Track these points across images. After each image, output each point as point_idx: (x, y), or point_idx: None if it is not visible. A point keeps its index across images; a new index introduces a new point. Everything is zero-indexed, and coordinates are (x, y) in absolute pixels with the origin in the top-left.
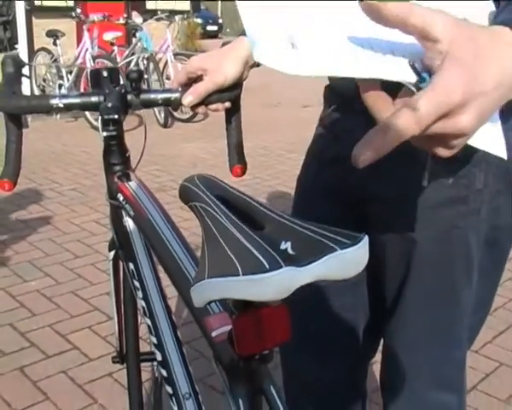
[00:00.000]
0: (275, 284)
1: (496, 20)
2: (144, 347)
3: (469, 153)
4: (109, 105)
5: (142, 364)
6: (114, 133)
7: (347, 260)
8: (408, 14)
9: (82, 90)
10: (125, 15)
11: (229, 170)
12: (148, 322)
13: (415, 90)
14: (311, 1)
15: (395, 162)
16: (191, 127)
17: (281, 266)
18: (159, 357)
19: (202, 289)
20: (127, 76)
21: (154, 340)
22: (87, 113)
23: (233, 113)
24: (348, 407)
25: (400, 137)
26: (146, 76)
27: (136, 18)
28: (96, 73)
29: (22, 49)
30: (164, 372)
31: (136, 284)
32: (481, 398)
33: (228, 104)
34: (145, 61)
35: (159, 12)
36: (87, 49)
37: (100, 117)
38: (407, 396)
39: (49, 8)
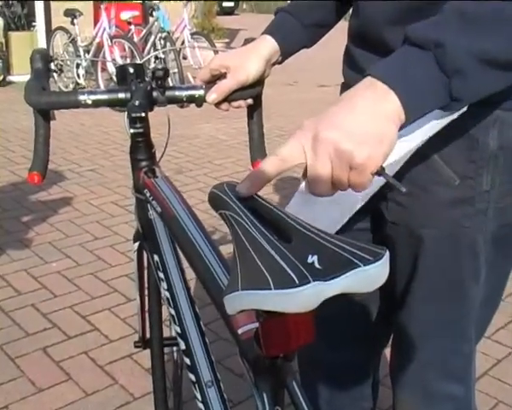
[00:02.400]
0: (303, 299)
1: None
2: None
3: (476, 155)
4: (136, 103)
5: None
6: (141, 130)
7: (370, 276)
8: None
9: (99, 69)
10: None
11: (250, 161)
12: (172, 312)
13: None
14: None
15: (406, 162)
16: (208, 107)
17: (309, 281)
18: (182, 346)
19: (235, 300)
20: (153, 74)
21: (178, 329)
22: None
23: (255, 109)
24: (359, 391)
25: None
26: (163, 56)
27: None
28: (122, 69)
29: (40, 28)
30: (187, 361)
31: (161, 275)
32: (493, 384)
33: (250, 101)
34: (162, 41)
35: None
36: (104, 29)
37: (127, 114)
38: (415, 386)
39: None
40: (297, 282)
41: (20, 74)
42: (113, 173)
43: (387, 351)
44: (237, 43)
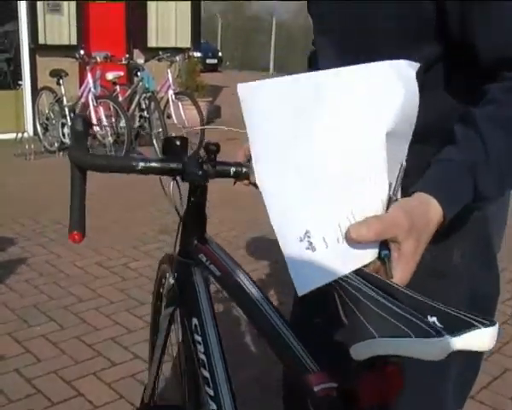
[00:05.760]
0: (439, 348)
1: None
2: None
3: (445, 233)
4: (200, 173)
5: None
6: (200, 200)
7: (487, 337)
8: (379, 235)
9: None
10: (127, 56)
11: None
12: (207, 375)
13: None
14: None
15: None
16: None
17: (443, 335)
18: (213, 407)
19: (370, 346)
20: (206, 148)
21: (211, 392)
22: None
23: None
24: None
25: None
26: (147, 115)
27: (139, 58)
28: (169, 141)
29: (26, 88)
30: None
31: (198, 338)
32: None
33: None
34: (146, 101)
35: (160, 52)
36: (90, 90)
37: (177, 182)
38: None
39: (52, 47)
40: (434, 333)
41: (4, 132)
42: (98, 234)
43: None
44: (220, 101)
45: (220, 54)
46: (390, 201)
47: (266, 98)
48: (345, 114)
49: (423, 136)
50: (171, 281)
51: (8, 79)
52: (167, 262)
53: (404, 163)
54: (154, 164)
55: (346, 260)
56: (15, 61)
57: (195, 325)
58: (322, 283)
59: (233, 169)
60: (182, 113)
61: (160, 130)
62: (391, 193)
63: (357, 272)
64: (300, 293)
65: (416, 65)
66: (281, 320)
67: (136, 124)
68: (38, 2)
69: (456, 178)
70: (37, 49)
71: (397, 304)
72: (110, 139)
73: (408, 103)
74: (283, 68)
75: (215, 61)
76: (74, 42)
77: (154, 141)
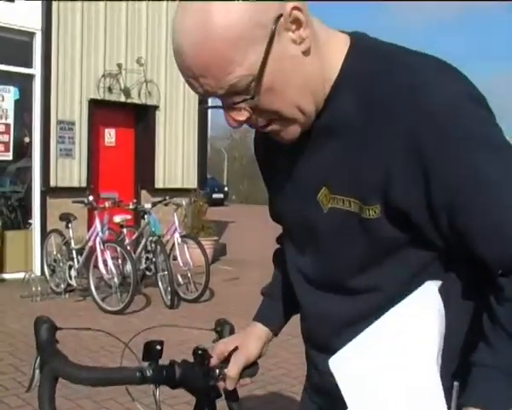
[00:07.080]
0: None
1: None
2: None
3: None
4: (211, 383)
5: None
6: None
7: None
8: None
9: (91, 272)
10: (135, 201)
11: None
12: None
13: None
14: None
15: None
16: (197, 308)
17: None
18: None
19: None
20: (194, 353)
21: None
22: (94, 292)
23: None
24: None
25: None
26: (153, 258)
27: (146, 202)
28: (150, 345)
29: (35, 228)
30: None
31: None
32: None
33: (250, 380)
34: (153, 245)
35: (167, 196)
36: (97, 234)
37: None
38: None
39: (63, 189)
40: None
41: (13, 272)
42: None
43: None
44: (226, 238)
45: (226, 188)
46: None
47: (349, 361)
48: (403, 356)
49: None
50: None
51: (19, 219)
52: None
53: (457, 383)
54: (148, 373)
55: None
56: (26, 201)
57: None
58: None
59: (224, 372)
60: (187, 255)
61: (166, 272)
62: None
63: None
64: None
65: (438, 282)
66: None
67: (143, 265)
68: (52, 146)
69: (500, 386)
70: (47, 191)
71: None
72: (116, 281)
73: (440, 321)
74: None
75: (221, 195)
76: (84, 184)
77: (160, 283)
